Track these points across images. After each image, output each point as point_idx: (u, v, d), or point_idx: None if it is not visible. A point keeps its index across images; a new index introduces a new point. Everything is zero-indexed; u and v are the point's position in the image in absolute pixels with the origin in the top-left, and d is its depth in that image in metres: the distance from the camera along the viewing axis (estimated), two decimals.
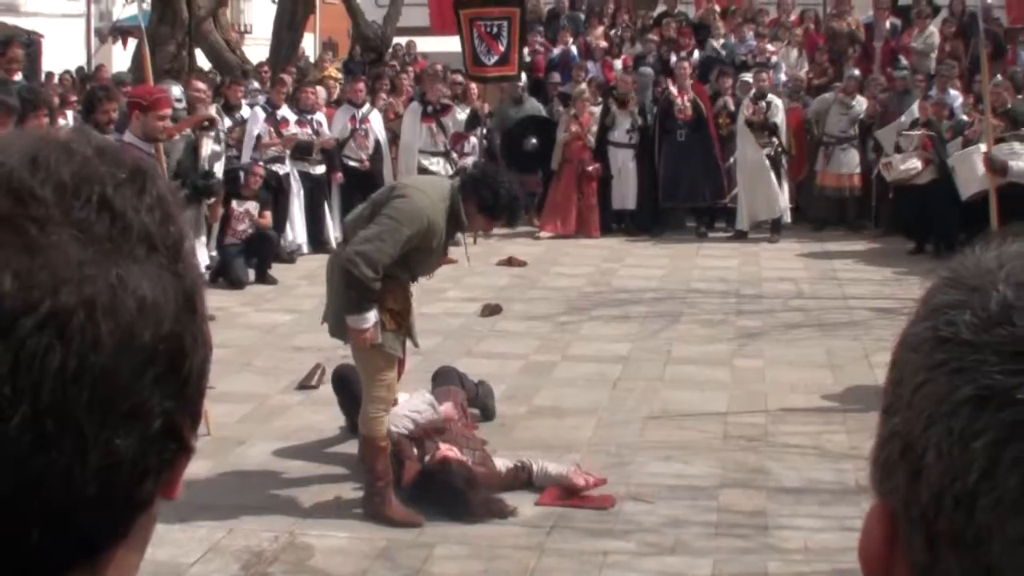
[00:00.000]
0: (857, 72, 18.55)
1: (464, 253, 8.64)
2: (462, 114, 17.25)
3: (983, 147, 11.56)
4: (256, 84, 18.63)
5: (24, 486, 0.83)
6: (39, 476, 0.83)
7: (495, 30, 17.03)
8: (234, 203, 14.12)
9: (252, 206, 14.41)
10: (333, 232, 16.40)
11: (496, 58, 17.10)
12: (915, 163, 15.71)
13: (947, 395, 0.72)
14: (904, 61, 19.28)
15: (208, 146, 12.70)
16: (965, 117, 16.43)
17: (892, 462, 0.77)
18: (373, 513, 7.37)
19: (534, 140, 18.06)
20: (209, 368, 0.97)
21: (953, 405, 0.72)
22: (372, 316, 7.19)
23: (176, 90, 13.43)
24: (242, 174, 14.50)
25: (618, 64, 20.13)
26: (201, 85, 14.34)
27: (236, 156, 14.82)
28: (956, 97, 17.38)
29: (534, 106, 18.61)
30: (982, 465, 0.69)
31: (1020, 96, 15.62)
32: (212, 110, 13.89)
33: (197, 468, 8.25)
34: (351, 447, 8.42)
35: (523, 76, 18.45)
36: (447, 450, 7.79)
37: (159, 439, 0.90)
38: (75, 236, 0.87)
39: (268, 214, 14.71)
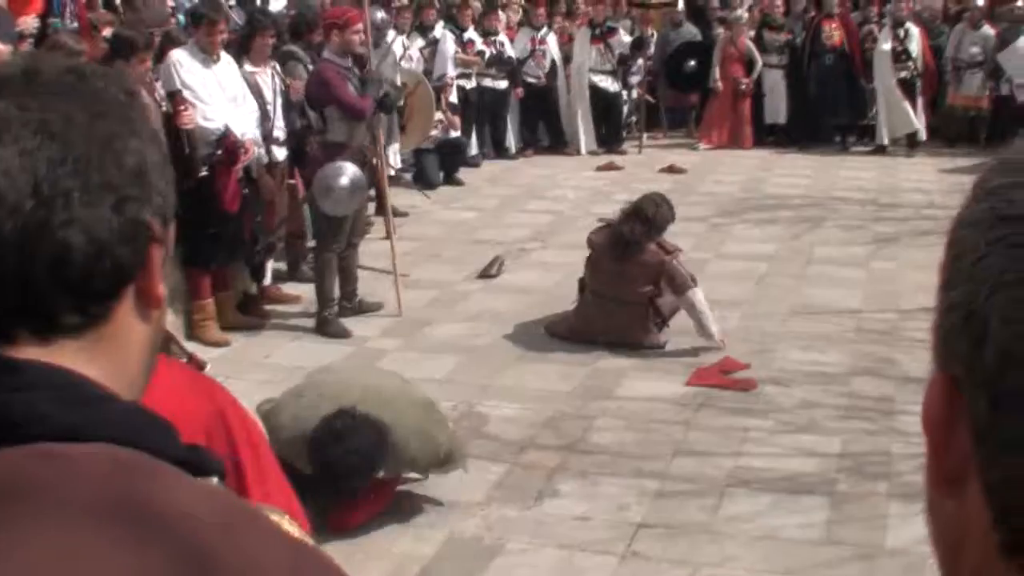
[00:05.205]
0: (981, 2, 17.74)
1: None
2: (627, 36, 17.01)
3: None
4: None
5: (25, 230, 1.03)
6: (40, 223, 1.03)
7: None
8: None
9: (443, 116, 14.35)
10: (513, 140, 16.38)
11: None
12: None
13: (1008, 266, 0.69)
14: None
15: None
16: None
17: (955, 331, 0.73)
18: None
19: (692, 62, 17.71)
20: (167, 172, 1.15)
21: (1016, 275, 0.69)
22: None
23: (380, 14, 13.22)
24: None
25: None
26: None
27: (428, 71, 14.63)
28: None
29: (690, 31, 18.20)
30: None
31: None
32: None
33: (389, 344, 8.42)
34: (527, 330, 8.52)
35: (680, 3, 18.09)
36: None
37: (131, 217, 1.08)
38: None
39: (456, 120, 14.56)
